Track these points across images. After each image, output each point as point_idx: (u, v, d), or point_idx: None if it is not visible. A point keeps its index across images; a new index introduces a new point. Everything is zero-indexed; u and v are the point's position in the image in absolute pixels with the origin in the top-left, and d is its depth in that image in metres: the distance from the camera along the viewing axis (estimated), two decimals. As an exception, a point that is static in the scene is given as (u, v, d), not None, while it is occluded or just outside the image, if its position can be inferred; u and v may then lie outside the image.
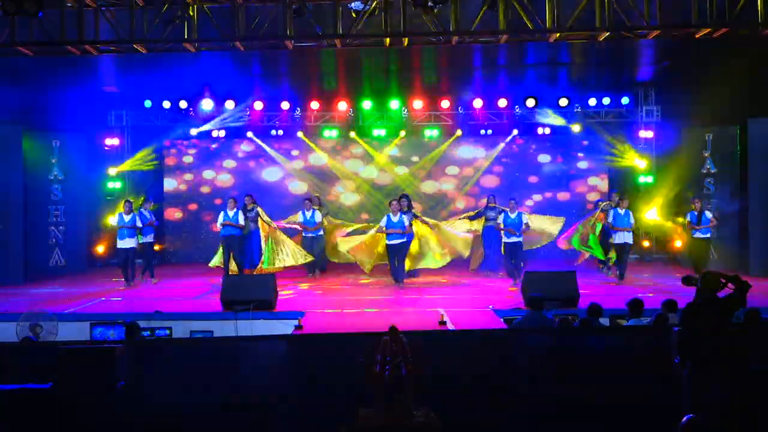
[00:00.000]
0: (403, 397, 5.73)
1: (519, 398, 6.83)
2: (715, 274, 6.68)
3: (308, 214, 15.05)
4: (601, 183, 18.55)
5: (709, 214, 14.29)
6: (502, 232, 14.10)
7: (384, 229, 13.71)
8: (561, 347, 7.25)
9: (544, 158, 18.61)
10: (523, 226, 13.98)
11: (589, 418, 6.71)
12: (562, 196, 18.55)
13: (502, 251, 14.27)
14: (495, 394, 6.81)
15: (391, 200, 14.29)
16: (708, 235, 14.31)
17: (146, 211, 14.85)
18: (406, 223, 13.70)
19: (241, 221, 14.39)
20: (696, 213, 14.27)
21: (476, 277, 14.88)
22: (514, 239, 13.98)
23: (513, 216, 14.00)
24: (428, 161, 18.62)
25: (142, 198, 14.36)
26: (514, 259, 14.02)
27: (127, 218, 13.97)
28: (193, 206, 18.72)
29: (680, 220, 15.19)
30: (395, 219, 13.69)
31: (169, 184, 18.77)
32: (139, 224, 14.14)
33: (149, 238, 14.87)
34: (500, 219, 14.19)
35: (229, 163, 18.79)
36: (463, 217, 15.54)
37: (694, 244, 14.48)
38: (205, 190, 18.73)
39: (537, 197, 18.44)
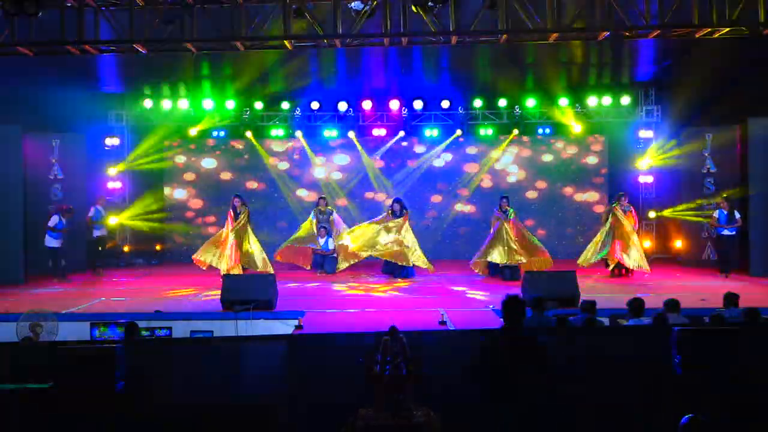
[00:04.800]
0: (403, 397, 5.73)
1: (518, 398, 6.82)
2: (517, 297, 6.07)
3: None
4: (602, 182, 18.56)
5: (737, 214, 14.78)
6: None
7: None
8: (560, 347, 7.24)
9: (546, 158, 18.61)
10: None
11: (589, 417, 6.71)
12: (562, 195, 18.59)
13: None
14: (495, 394, 6.80)
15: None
16: (734, 233, 14.85)
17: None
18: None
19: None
20: (726, 212, 14.76)
21: (476, 277, 14.87)
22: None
23: None
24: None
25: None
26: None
27: (63, 221, 15.07)
28: (193, 205, 18.71)
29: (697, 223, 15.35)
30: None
31: (169, 184, 18.76)
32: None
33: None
34: None
35: (229, 163, 18.76)
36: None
37: (721, 242, 15.05)
38: (205, 189, 18.70)
39: (533, 194, 18.53)
